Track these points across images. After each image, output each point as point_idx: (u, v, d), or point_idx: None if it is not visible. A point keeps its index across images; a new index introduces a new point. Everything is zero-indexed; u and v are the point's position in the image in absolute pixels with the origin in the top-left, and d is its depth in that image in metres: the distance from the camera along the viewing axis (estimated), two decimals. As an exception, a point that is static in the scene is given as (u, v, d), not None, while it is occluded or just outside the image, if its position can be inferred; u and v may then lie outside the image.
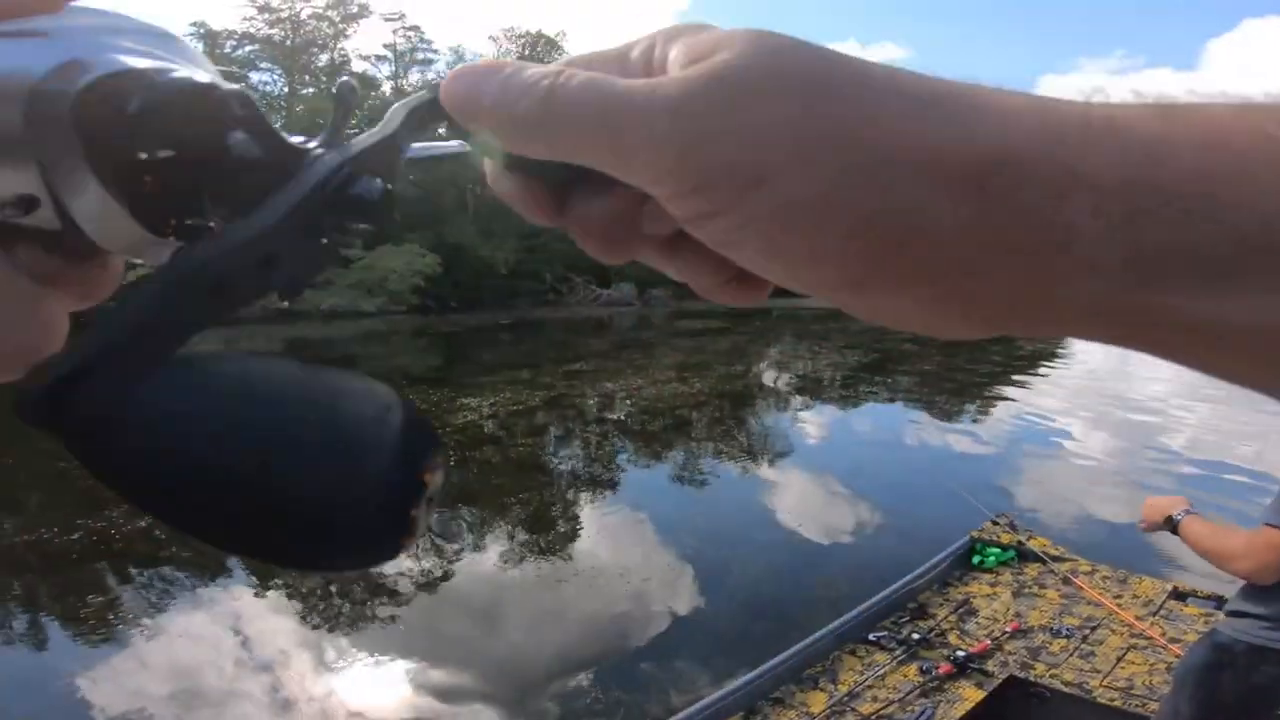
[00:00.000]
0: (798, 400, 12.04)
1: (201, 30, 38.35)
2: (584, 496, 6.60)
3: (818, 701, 2.44)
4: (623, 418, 10.28)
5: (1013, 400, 11.97)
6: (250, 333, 25.52)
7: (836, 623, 2.83)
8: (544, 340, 24.13)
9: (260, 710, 3.31)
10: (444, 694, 3.42)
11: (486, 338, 24.81)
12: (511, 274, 39.13)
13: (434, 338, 24.76)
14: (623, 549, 5.06)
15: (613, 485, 6.96)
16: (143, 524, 5.67)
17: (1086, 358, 20.17)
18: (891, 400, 12.23)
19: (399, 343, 23.24)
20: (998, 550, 3.61)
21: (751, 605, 4.02)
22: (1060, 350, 22.35)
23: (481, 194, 42.39)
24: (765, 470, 7.30)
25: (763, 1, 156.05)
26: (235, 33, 38.66)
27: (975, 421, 10.31)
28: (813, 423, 10.16)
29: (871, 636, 2.83)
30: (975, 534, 3.75)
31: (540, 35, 48.83)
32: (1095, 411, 10.93)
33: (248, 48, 39.02)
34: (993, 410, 11.16)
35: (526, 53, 48.31)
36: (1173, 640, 2.80)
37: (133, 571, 4.92)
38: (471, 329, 26.87)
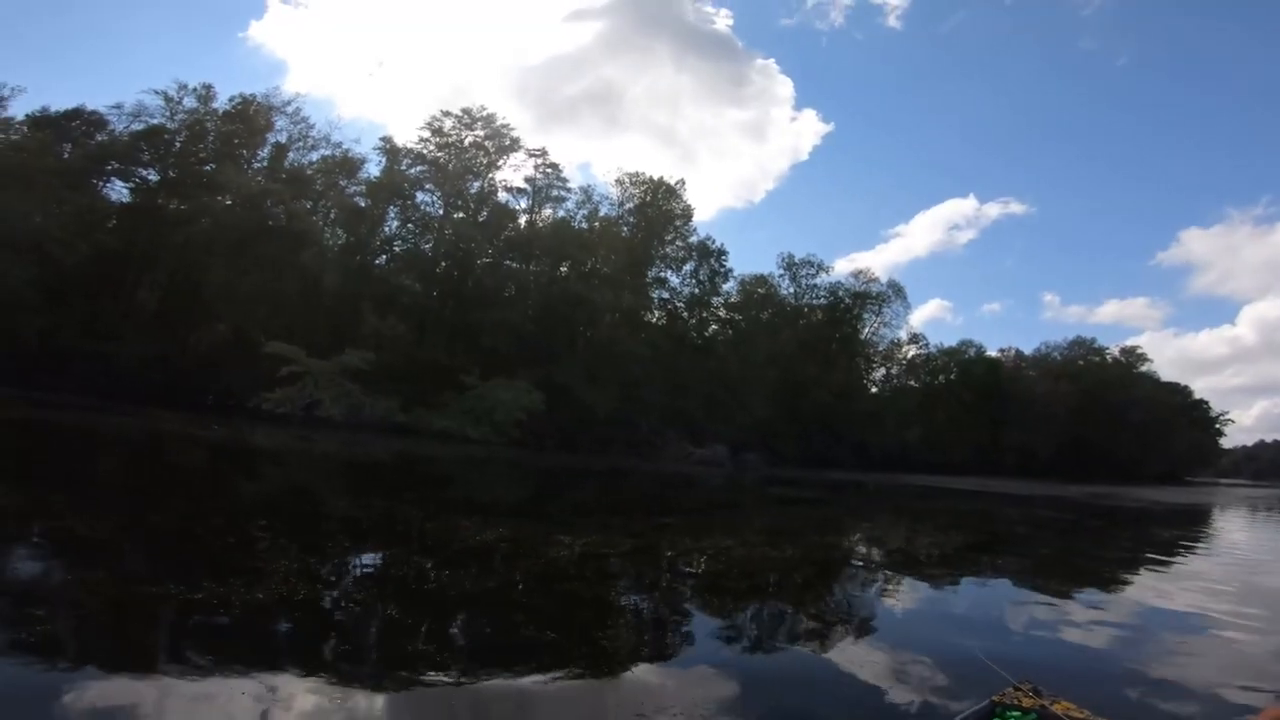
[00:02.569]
0: (889, 573, 11.45)
1: (386, 146, 44.38)
2: (658, 641, 6.51)
3: None
4: (709, 574, 10.15)
5: (1134, 587, 11.02)
6: (368, 439, 27.31)
7: None
8: (635, 490, 24.22)
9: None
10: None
11: (580, 480, 25.21)
12: (609, 420, 40.10)
13: (530, 471, 25.43)
14: (682, 695, 4.97)
15: (688, 636, 6.81)
16: (260, 595, 6.10)
17: (1231, 544, 18.01)
18: (993, 581, 11.40)
19: (497, 471, 23.99)
20: (1018, 713, 3.49)
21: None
22: (1202, 536, 20.09)
23: (592, 337, 44.83)
24: (844, 639, 6.95)
25: (889, 152, 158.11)
26: (412, 151, 44.28)
27: (1088, 608, 9.17)
28: (900, 595, 9.67)
29: None
30: (996, 698, 3.65)
31: (661, 182, 52.48)
32: (1233, 598, 9.87)
33: (418, 168, 44.43)
34: (1110, 597, 10.21)
35: (648, 198, 52.24)
36: None
37: (239, 634, 5.25)
38: (566, 469, 27.46)
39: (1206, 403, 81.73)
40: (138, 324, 31.93)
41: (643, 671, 5.41)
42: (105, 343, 28.76)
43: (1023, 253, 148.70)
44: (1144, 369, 75.70)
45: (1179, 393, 77.88)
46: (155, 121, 35.58)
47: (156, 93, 35.97)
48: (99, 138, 34.72)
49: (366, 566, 8.55)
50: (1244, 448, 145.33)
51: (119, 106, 35.26)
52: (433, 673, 5.01)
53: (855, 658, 6.23)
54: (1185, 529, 22.50)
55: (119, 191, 36.05)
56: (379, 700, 4.43)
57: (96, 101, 37.71)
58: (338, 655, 5.16)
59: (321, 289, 36.23)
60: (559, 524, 12.36)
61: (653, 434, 42.76)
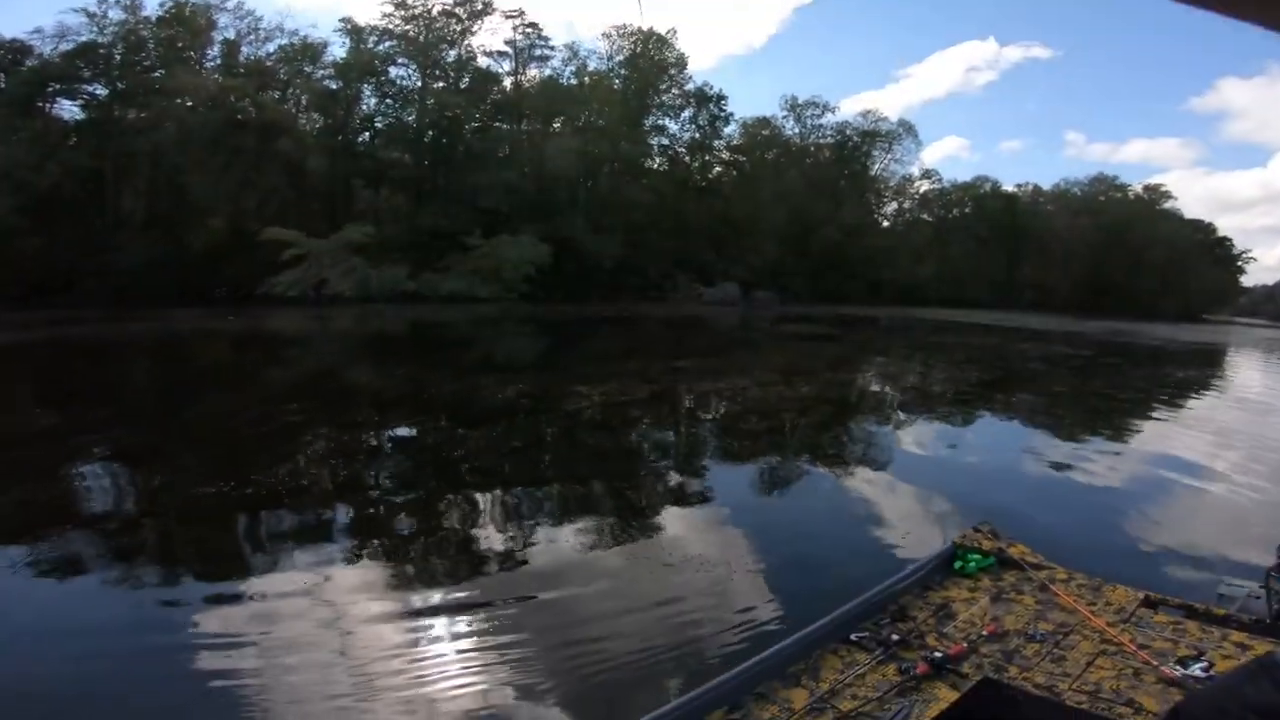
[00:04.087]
0: (899, 412, 11.59)
1: (348, 26, 41.69)
2: (681, 490, 6.72)
3: (799, 698, 2.49)
4: (727, 416, 10.41)
5: (1137, 433, 10.90)
6: (379, 310, 27.47)
7: (821, 622, 2.88)
8: (648, 335, 24.38)
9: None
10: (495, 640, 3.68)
11: (592, 329, 25.41)
12: (617, 268, 39.92)
13: (542, 325, 25.61)
14: (697, 538, 5.24)
15: (708, 483, 7.01)
16: (304, 482, 6.40)
17: (1243, 387, 18.16)
18: (1002, 421, 11.59)
19: (510, 329, 24.12)
20: (979, 556, 3.65)
21: (781, 592, 4.27)
22: (1215, 377, 20.23)
23: (593, 188, 43.64)
24: (847, 480, 7.19)
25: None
26: (377, 28, 41.69)
27: (1086, 453, 9.11)
28: (906, 434, 9.81)
29: (853, 636, 2.87)
30: (958, 540, 3.81)
31: (651, 33, 49.06)
32: (1232, 451, 9.66)
33: (387, 44, 41.99)
34: (1110, 442, 10.01)
35: (638, 49, 49.08)
36: (1142, 647, 2.81)
37: (294, 524, 5.55)
38: (577, 320, 27.63)
39: (1230, 240, 78.33)
40: (131, 232, 31.62)
41: (668, 521, 5.66)
42: (104, 255, 28.59)
43: (1044, 96, 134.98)
44: (1167, 206, 72.38)
45: (1202, 230, 74.83)
46: (84, 39, 33.47)
47: (77, 11, 33.50)
48: (28, 63, 32.88)
49: (397, 438, 8.83)
50: (1264, 287, 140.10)
51: (39, 31, 32.96)
52: (475, 536, 5.31)
53: (854, 498, 6.51)
54: (1199, 369, 22.25)
55: (70, 111, 34.61)
56: (429, 569, 4.73)
57: (9, 31, 34.87)
58: (384, 529, 5.46)
59: (307, 173, 35.35)
60: (576, 375, 12.59)
61: (662, 278, 42.73)
